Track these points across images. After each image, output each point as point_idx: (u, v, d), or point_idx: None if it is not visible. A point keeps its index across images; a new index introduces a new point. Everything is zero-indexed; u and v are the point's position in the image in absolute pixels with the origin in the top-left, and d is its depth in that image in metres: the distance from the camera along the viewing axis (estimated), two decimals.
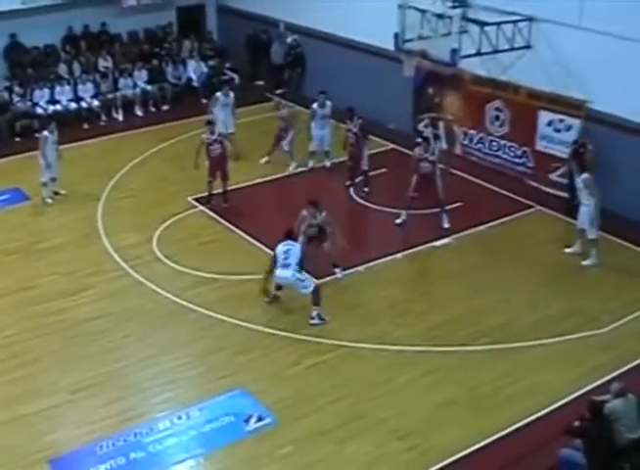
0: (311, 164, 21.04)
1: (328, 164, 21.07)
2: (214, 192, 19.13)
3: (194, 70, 26.60)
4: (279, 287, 15.20)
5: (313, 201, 15.82)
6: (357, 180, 19.89)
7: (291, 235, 15.05)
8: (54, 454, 11.86)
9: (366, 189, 19.71)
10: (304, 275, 14.91)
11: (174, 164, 21.29)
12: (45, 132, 19.43)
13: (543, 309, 15.17)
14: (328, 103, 20.57)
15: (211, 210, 18.95)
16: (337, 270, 16.22)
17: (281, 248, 14.77)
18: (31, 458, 11.78)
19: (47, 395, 13.06)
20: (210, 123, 19.25)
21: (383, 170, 20.14)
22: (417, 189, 17.70)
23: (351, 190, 19.83)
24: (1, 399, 12.99)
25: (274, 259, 14.82)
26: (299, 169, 20.88)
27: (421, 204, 17.91)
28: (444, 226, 17.94)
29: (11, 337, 14.55)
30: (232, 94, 21.77)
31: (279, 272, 14.70)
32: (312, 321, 14.72)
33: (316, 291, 14.79)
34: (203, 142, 18.87)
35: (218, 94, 21.66)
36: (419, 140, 18.73)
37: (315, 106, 20.66)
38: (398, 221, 18.10)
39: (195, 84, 26.44)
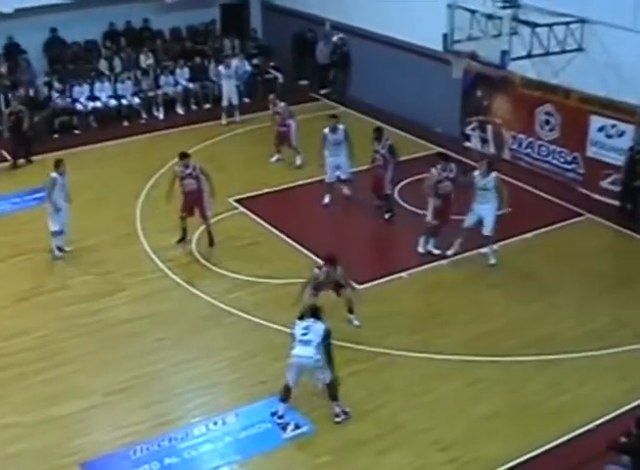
0: (327, 200, 19.17)
1: (347, 192, 19.40)
2: (199, 230, 17.72)
3: (237, 68, 26.33)
4: (287, 391, 12.54)
5: (331, 256, 14.20)
6: (377, 203, 18.70)
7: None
8: (86, 457, 11.82)
9: (387, 216, 18.40)
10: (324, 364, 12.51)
11: (215, 163, 20.97)
12: (54, 174, 16.73)
13: (591, 321, 14.93)
14: (340, 127, 18.80)
15: (253, 212, 18.79)
16: (352, 317, 14.67)
17: (300, 323, 12.47)
18: (63, 461, 11.75)
19: (80, 397, 13.03)
20: (185, 156, 17.32)
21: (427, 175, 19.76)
22: (439, 215, 16.67)
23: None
24: (34, 399, 12.96)
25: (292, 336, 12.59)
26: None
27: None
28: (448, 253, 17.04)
29: (45, 337, 14.55)
30: (234, 63, 21.59)
31: (297, 350, 12.28)
32: (337, 419, 12.43)
33: (332, 383, 12.43)
34: (176, 175, 17.28)
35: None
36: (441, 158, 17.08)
37: (326, 131, 18.80)
38: (434, 251, 17.06)
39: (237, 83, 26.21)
